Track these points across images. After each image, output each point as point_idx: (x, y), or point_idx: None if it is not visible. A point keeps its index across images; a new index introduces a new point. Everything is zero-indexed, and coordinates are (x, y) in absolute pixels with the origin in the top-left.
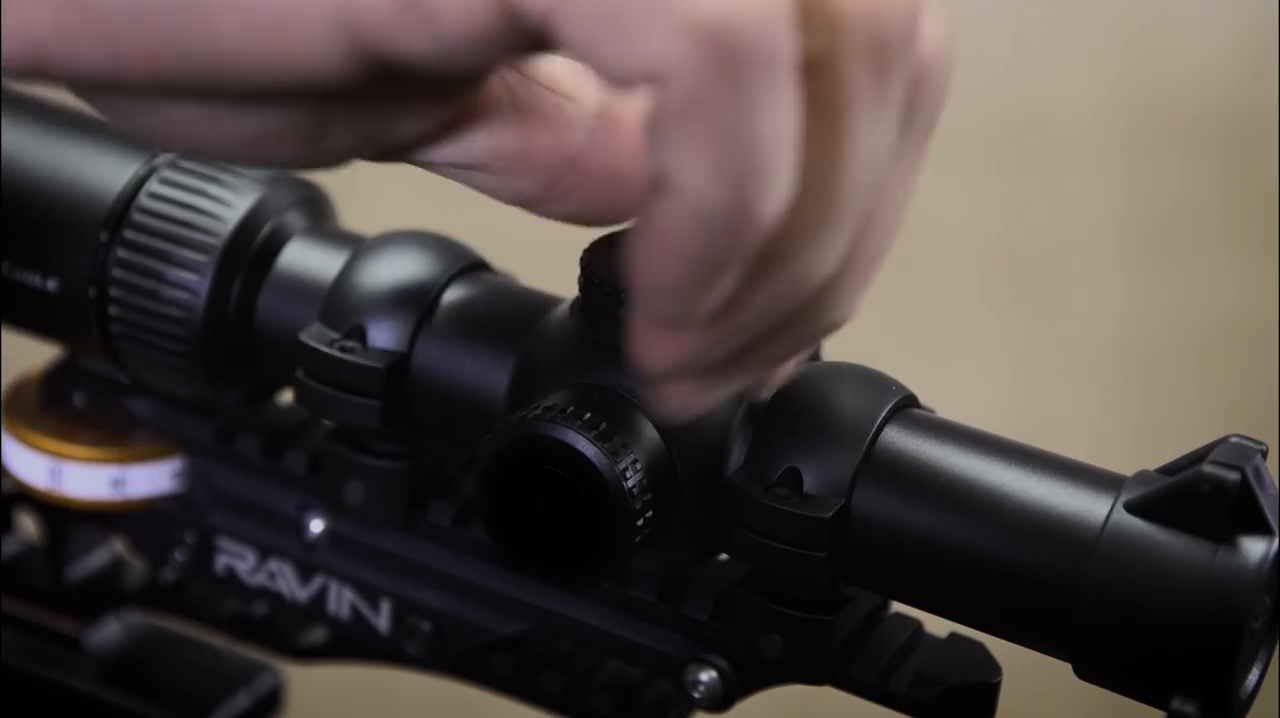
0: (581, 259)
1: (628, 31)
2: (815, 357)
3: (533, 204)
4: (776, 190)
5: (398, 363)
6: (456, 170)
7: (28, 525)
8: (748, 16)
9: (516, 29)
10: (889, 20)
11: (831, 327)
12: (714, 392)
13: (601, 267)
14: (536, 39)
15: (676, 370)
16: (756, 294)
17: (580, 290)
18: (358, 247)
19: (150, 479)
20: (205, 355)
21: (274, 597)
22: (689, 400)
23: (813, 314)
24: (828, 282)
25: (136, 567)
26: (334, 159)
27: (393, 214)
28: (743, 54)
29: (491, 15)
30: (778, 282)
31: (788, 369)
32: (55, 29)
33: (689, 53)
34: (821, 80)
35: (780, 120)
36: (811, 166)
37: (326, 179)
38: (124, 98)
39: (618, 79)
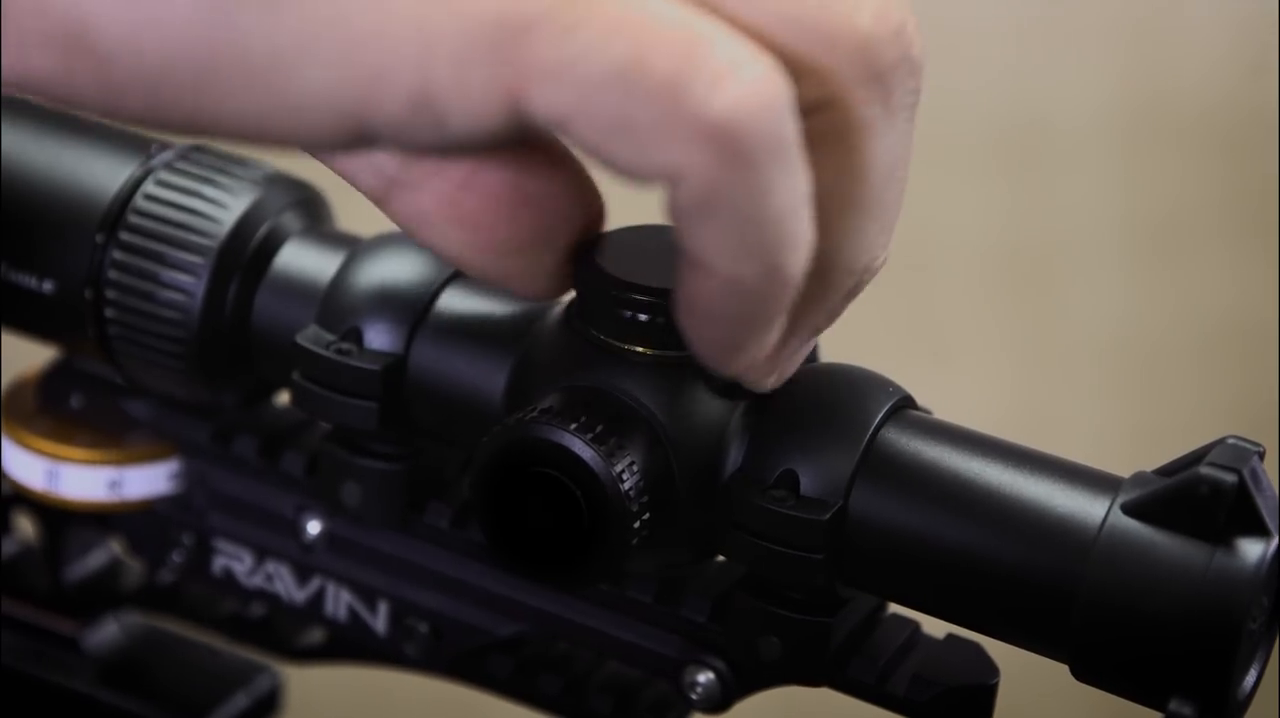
0: (576, 259)
1: (641, 138)
2: (813, 358)
3: (387, 190)
4: (800, 250)
5: (394, 365)
6: None
7: (25, 527)
8: (754, 112)
9: (524, 128)
10: (883, 53)
11: (860, 285)
12: (787, 360)
13: (596, 267)
14: (539, 128)
15: (787, 370)
16: (827, 297)
17: (575, 292)
18: (354, 248)
19: (147, 481)
20: (202, 357)
21: (271, 598)
22: (783, 372)
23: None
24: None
25: (134, 568)
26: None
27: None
28: (752, 148)
29: (501, 119)
30: (843, 282)
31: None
32: (58, 72)
33: (701, 154)
34: (830, 114)
35: (792, 192)
36: (838, 190)
37: (324, 180)
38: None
39: (633, 177)
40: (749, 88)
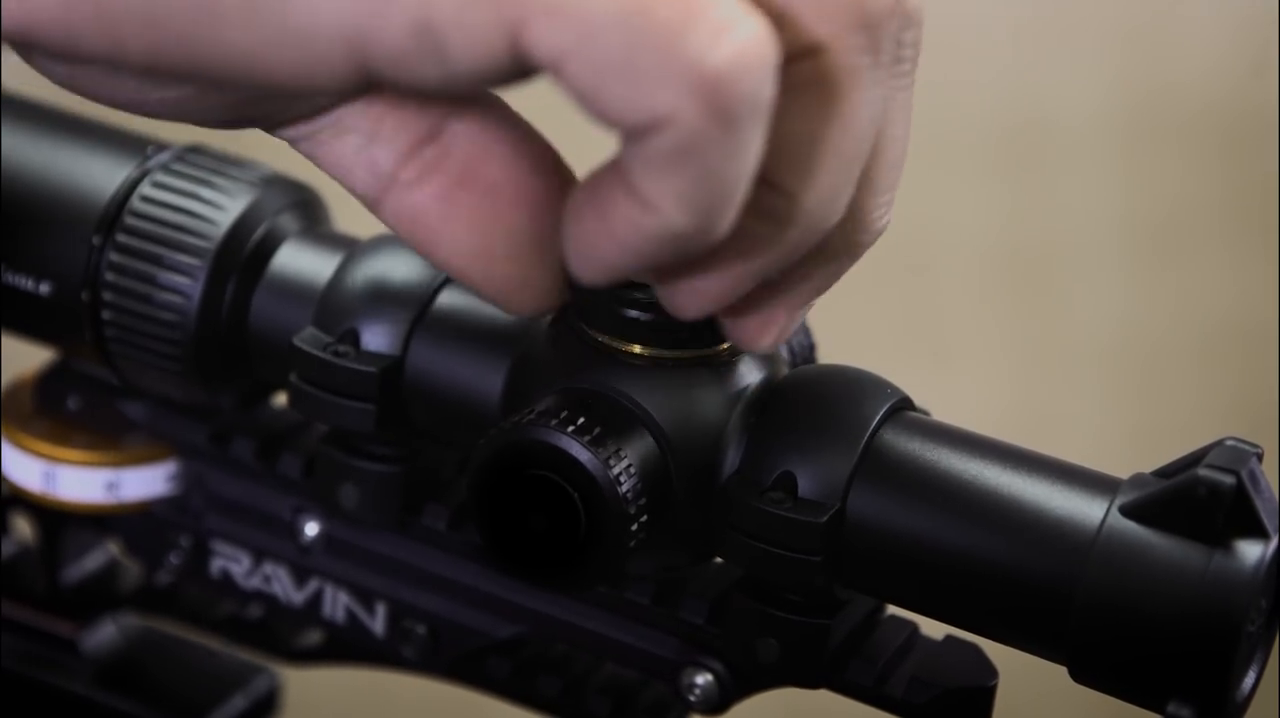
0: None
1: (636, 81)
2: (811, 359)
3: (384, 189)
4: (733, 214)
5: (391, 367)
6: (310, 138)
7: (23, 528)
8: (747, 68)
9: (522, 65)
10: (877, 4)
11: (863, 247)
12: (778, 321)
13: None
14: (535, 71)
15: (709, 309)
16: (772, 244)
17: (574, 292)
18: (351, 249)
19: (144, 482)
20: (198, 359)
21: (269, 600)
22: (760, 332)
23: (840, 243)
24: (846, 218)
25: (132, 569)
26: (237, 126)
27: None
28: (737, 104)
29: (501, 53)
30: (792, 233)
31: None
32: (59, 15)
33: (691, 103)
34: (818, 60)
35: (754, 157)
36: (815, 135)
37: (321, 182)
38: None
39: (614, 122)
40: (745, 44)
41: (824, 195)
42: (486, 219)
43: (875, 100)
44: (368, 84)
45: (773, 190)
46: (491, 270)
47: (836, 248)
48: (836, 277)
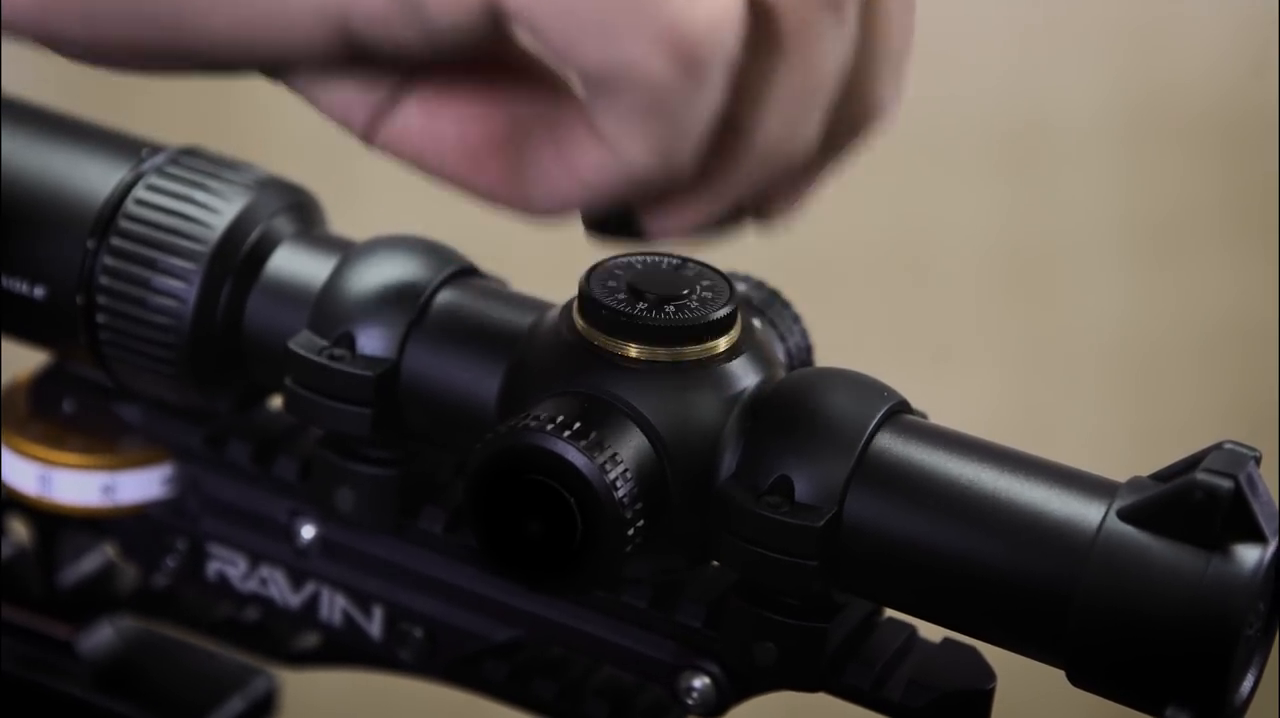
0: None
1: (608, 36)
2: (808, 361)
3: (378, 120)
4: (692, 155)
5: (387, 371)
6: (311, 83)
7: (20, 531)
8: (719, 25)
9: (498, 26)
10: None
11: (867, 126)
12: (794, 196)
13: (590, 271)
14: (511, 31)
15: (691, 231)
16: (729, 176)
17: (578, 295)
18: (347, 252)
19: (141, 486)
20: (193, 362)
21: (266, 603)
22: (795, 205)
23: (844, 124)
24: (849, 96)
25: (129, 571)
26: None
27: (384, 218)
28: (707, 61)
29: (478, 15)
30: (748, 166)
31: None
32: (39, 6)
33: (661, 55)
34: (778, 12)
35: (715, 105)
36: (771, 79)
37: (317, 184)
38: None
39: (583, 73)
40: (720, 2)
41: (777, 133)
42: (464, 115)
43: (836, 53)
44: (351, 53)
45: (727, 128)
46: (482, 168)
47: (841, 129)
48: (848, 154)
